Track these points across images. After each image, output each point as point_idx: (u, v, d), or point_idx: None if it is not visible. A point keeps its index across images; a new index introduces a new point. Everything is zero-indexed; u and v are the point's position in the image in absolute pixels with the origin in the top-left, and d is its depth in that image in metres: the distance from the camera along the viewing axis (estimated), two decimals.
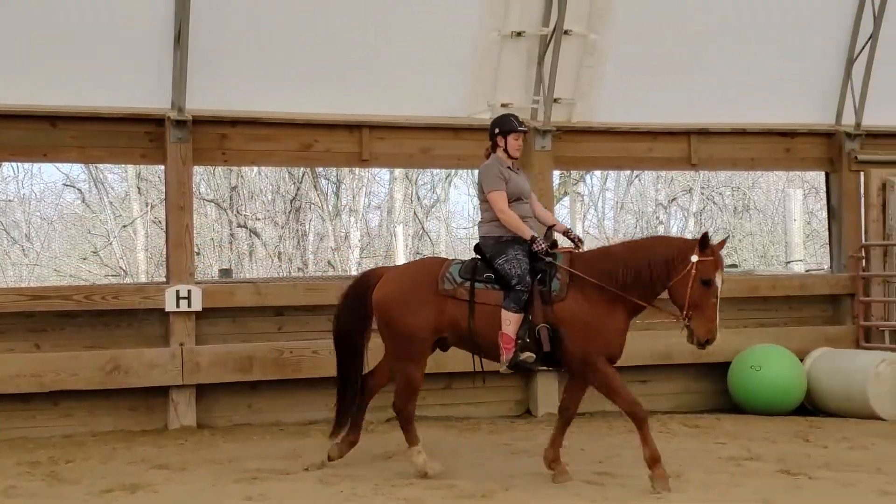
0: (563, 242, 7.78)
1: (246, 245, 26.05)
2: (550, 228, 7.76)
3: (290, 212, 25.69)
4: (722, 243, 7.27)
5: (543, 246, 7.42)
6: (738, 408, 11.14)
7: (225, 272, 18.07)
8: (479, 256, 7.73)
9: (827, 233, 12.94)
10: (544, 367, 7.67)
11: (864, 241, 12.04)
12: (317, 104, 10.58)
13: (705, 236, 7.14)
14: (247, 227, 25.91)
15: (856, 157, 12.08)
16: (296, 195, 25.61)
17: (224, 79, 10.22)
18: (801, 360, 11.23)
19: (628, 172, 26.21)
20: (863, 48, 11.84)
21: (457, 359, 10.62)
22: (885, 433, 9.75)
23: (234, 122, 10.44)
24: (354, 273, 23.32)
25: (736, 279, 12.39)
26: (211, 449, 8.97)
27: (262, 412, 10.33)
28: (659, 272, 7.18)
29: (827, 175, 12.49)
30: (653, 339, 11.13)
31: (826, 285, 12.20)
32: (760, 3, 11.54)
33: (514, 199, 7.61)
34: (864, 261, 11.98)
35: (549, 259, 7.39)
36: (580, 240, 7.71)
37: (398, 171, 24.85)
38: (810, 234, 25.27)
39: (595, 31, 11.10)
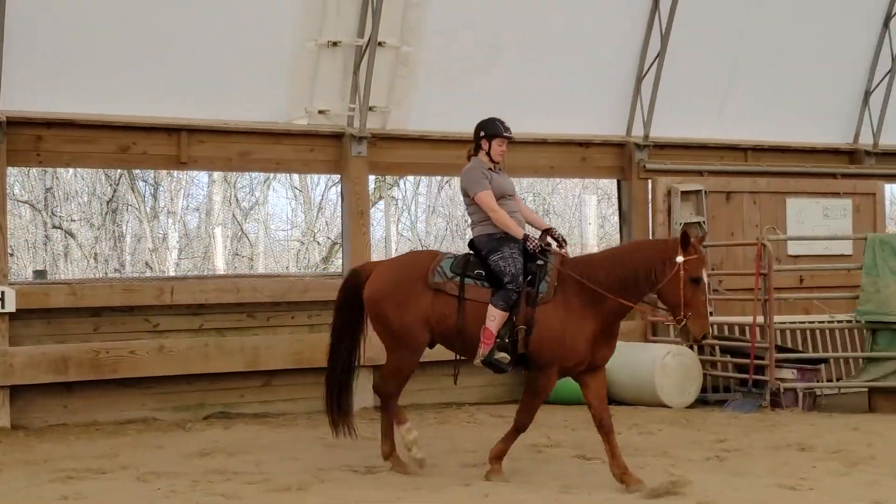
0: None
1: (61, 246, 25.00)
2: (545, 232, 7.41)
3: (106, 213, 24.81)
4: (700, 239, 7.09)
5: (538, 244, 7.18)
6: None
7: (39, 273, 17.30)
8: (471, 252, 7.42)
9: (619, 235, 13.41)
10: (518, 368, 7.31)
11: None
12: (135, 107, 10.28)
13: (685, 235, 6.93)
14: (62, 229, 24.86)
15: (644, 166, 12.59)
16: (113, 197, 24.76)
17: (40, 80, 9.81)
18: None
19: (439, 178, 26.50)
20: (650, 66, 12.35)
21: (274, 356, 10.59)
22: (670, 420, 10.19)
23: (50, 124, 10.01)
24: (172, 274, 22.81)
25: None
26: (26, 450, 8.57)
27: (78, 412, 9.93)
28: (646, 276, 6.94)
29: (618, 182, 12.98)
30: None
31: None
32: (560, 22, 11.88)
33: (499, 197, 7.35)
34: None
35: (540, 261, 7.13)
36: (564, 240, 7.42)
37: (217, 174, 24.37)
38: (603, 237, 26.11)
39: (407, 43, 11.20)
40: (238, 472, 7.50)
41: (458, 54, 11.50)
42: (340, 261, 11.97)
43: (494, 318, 7.02)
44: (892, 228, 23.84)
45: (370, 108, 11.08)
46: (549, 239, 7.34)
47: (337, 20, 10.85)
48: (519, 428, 7.22)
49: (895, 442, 8.74)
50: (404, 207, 28.46)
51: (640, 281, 6.98)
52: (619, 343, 11.53)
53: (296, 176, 25.79)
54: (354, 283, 7.69)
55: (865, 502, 6.62)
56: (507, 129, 7.54)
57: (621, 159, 12.70)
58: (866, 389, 11.01)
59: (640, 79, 12.44)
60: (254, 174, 24.91)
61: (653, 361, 11.14)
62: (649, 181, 12.63)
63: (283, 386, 10.72)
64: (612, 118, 12.55)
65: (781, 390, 10.83)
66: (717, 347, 11.78)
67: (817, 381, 11.17)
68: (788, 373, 10.96)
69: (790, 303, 11.91)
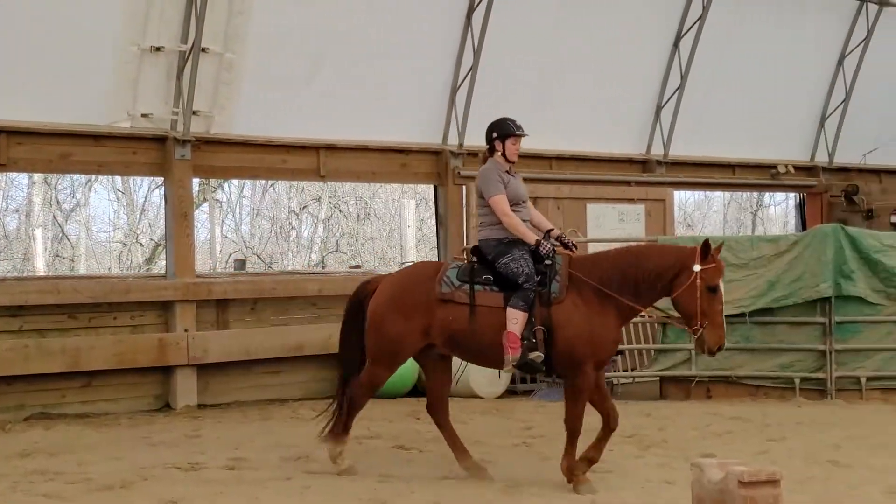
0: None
1: None
2: (548, 233, 7.03)
3: None
4: (718, 248, 6.71)
5: (550, 246, 6.81)
6: None
7: None
8: (475, 259, 7.04)
9: (435, 237, 13.59)
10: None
11: (465, 244, 12.76)
12: None
13: (706, 244, 6.59)
14: None
15: (459, 173, 12.81)
16: None
17: None
18: None
19: (264, 181, 26.15)
20: (465, 78, 12.58)
21: (96, 357, 10.21)
22: (482, 409, 10.40)
23: None
24: None
25: (360, 278, 12.76)
26: None
27: None
28: (660, 281, 6.63)
29: (435, 188, 13.14)
30: (285, 334, 11.27)
31: None
32: (381, 35, 11.93)
33: (513, 203, 6.96)
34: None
35: (548, 262, 6.76)
36: (574, 245, 7.11)
37: (37, 176, 23.27)
38: (422, 239, 26.42)
39: (231, 50, 11.00)
40: (60, 473, 7.21)
41: (282, 62, 11.39)
42: (164, 262, 11.64)
43: (517, 320, 6.65)
44: (681, 231, 25.06)
45: (194, 113, 10.83)
46: (554, 241, 6.96)
47: (160, 26, 10.55)
48: (574, 434, 6.79)
49: (684, 426, 9.20)
50: (229, 210, 27.94)
51: (653, 285, 6.67)
52: None
53: (118, 178, 24.94)
54: (361, 296, 7.32)
55: (657, 483, 6.95)
56: (519, 128, 7.11)
57: (438, 166, 12.87)
58: (658, 378, 11.51)
59: (454, 90, 12.64)
60: (75, 176, 23.92)
61: None
62: (464, 187, 12.84)
63: (105, 386, 10.35)
64: (430, 127, 12.70)
65: None
66: None
67: (614, 371, 11.62)
68: None
69: None
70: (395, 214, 27.82)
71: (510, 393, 11.59)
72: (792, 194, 17.48)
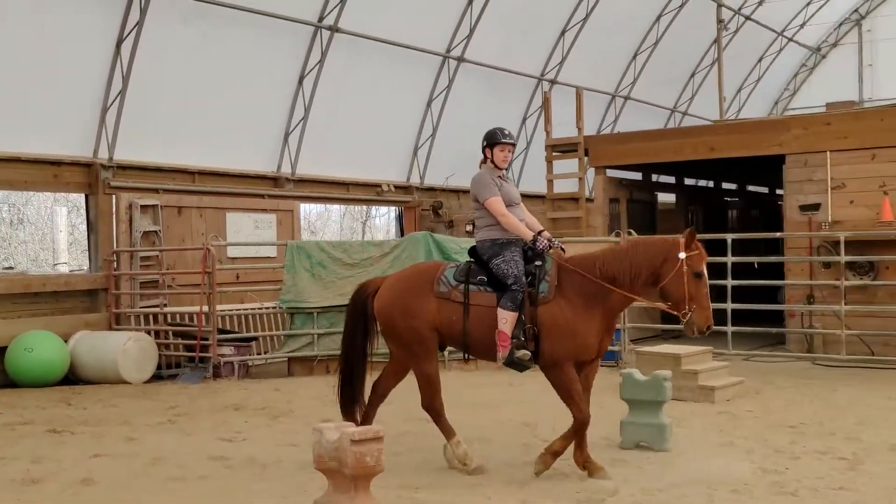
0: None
1: None
2: (539, 233, 6.30)
3: None
4: (693, 233, 6.10)
5: (546, 242, 6.14)
6: (15, 384, 10.46)
7: None
8: (472, 259, 6.36)
9: (87, 241, 12.74)
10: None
11: (115, 247, 12.10)
12: None
13: (692, 233, 6.05)
14: None
15: (109, 184, 12.11)
16: None
17: None
18: (66, 342, 10.91)
19: None
20: (114, 99, 11.90)
21: None
22: (130, 394, 9.92)
23: None
24: None
25: (12, 279, 11.64)
26: None
27: None
28: (649, 271, 6.03)
29: (87, 196, 12.31)
30: None
31: (86, 282, 12.03)
32: (37, 55, 11.01)
33: (507, 205, 6.31)
34: (115, 263, 12.04)
35: (538, 263, 6.12)
36: (562, 248, 6.37)
37: None
38: (73, 243, 24.48)
39: None
40: None
41: None
42: None
43: (506, 319, 6.09)
44: (306, 236, 25.43)
45: None
46: (546, 241, 6.32)
47: None
48: (581, 428, 6.10)
49: (308, 398, 9.39)
50: None
51: (641, 276, 6.08)
52: (86, 332, 11.19)
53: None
54: (361, 296, 6.55)
55: (285, 446, 7.05)
56: (507, 136, 6.47)
57: (89, 177, 12.06)
58: (286, 359, 11.63)
59: (104, 110, 11.93)
60: None
61: (116, 346, 10.79)
62: (114, 196, 12.16)
63: None
64: (82, 142, 11.92)
65: (221, 363, 11.07)
66: (170, 332, 11.70)
67: (249, 355, 11.58)
68: (227, 349, 11.24)
69: (229, 295, 12.21)
70: (48, 220, 25.53)
71: (156, 378, 11.13)
72: (393, 208, 18.34)
